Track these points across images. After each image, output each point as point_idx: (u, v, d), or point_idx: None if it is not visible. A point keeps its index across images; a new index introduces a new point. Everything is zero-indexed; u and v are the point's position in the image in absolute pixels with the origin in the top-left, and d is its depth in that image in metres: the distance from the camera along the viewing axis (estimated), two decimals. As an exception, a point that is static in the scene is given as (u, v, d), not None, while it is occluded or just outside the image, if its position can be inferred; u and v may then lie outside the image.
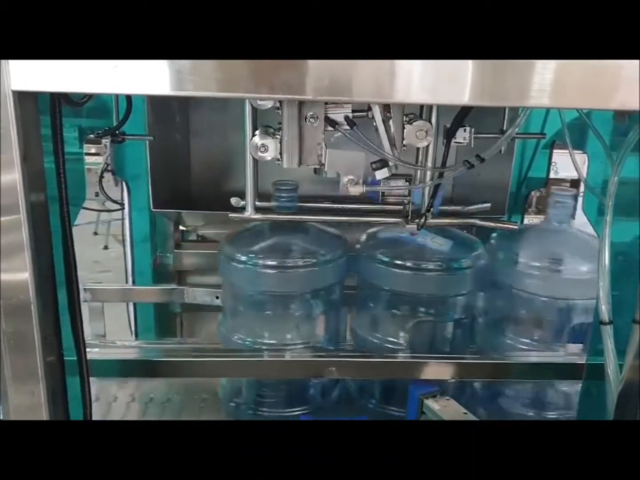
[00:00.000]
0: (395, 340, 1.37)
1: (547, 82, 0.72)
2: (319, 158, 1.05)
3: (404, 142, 1.07)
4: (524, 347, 1.39)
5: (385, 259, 1.32)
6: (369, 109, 1.05)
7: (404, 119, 1.06)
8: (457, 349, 1.41)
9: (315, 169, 1.09)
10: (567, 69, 0.71)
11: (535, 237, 1.45)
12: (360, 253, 1.38)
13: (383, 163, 1.09)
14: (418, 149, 1.20)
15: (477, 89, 0.72)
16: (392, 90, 0.73)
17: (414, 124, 1.06)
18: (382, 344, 1.38)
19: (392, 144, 1.07)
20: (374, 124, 1.05)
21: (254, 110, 1.10)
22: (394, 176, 1.14)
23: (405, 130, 1.06)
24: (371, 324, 1.43)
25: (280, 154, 1.05)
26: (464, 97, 0.73)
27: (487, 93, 0.73)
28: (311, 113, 1.01)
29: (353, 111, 1.04)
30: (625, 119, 0.93)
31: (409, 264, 1.31)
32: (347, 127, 1.03)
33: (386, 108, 1.04)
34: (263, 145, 1.06)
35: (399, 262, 1.32)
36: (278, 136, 1.05)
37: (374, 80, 0.72)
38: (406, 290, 1.35)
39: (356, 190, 1.08)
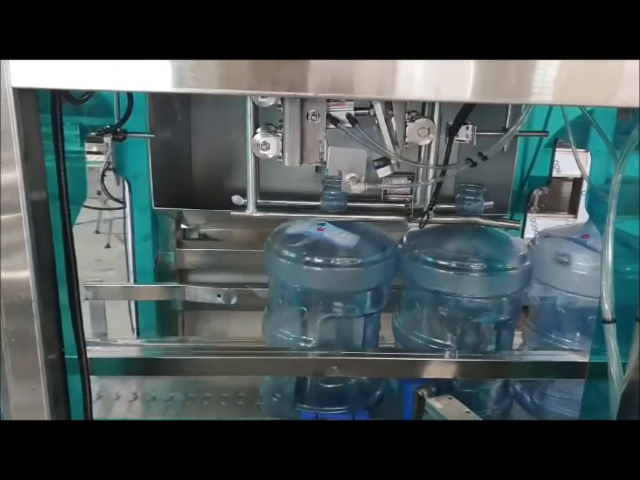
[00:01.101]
0: (305, 337, 1.36)
1: (550, 79, 0.72)
2: (320, 156, 1.05)
3: (406, 140, 1.07)
4: (433, 346, 1.38)
5: (292, 255, 1.30)
6: (371, 106, 1.04)
7: (406, 117, 1.06)
8: (369, 345, 1.41)
9: (316, 167, 1.09)
10: (569, 65, 0.71)
11: (443, 235, 1.41)
12: (268, 249, 1.37)
13: (385, 161, 1.09)
14: (420, 147, 1.20)
15: (479, 85, 0.72)
16: (394, 88, 0.73)
17: (416, 121, 1.06)
18: (294, 342, 1.37)
19: (394, 142, 1.06)
20: (376, 121, 1.05)
21: (256, 107, 1.10)
22: (396, 174, 1.14)
23: (407, 128, 1.06)
24: (282, 322, 1.41)
25: (282, 151, 1.05)
26: (466, 94, 0.73)
27: (489, 90, 0.73)
28: (313, 111, 1.00)
29: (355, 109, 1.03)
30: (629, 116, 0.93)
31: (315, 259, 1.29)
32: (349, 125, 1.02)
33: (388, 106, 1.04)
34: (265, 143, 1.05)
35: (305, 257, 1.29)
36: (280, 134, 1.05)
37: (376, 77, 0.72)
38: (312, 286, 1.33)
39: (358, 188, 1.08)
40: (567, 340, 1.41)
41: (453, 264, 1.30)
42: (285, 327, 1.39)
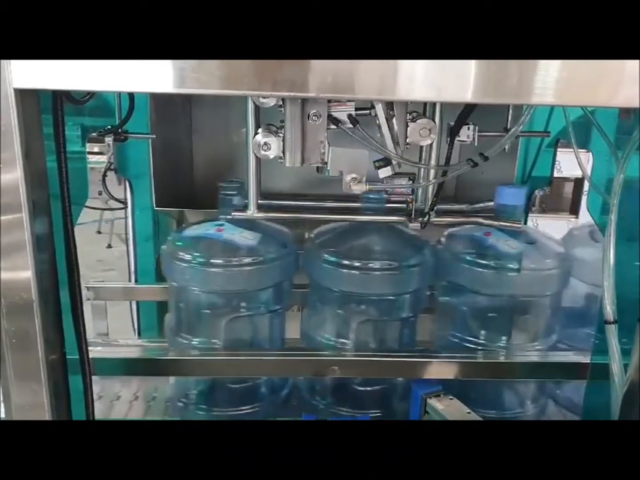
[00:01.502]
0: (214, 340, 1.34)
1: (551, 79, 0.72)
2: (321, 156, 1.05)
3: (408, 140, 1.07)
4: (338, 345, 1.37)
5: (188, 257, 1.28)
6: (372, 107, 1.04)
7: (408, 117, 1.06)
8: (276, 341, 1.42)
9: (317, 168, 1.09)
10: (570, 66, 0.71)
11: (348, 233, 1.39)
12: (164, 254, 1.35)
13: (386, 161, 1.09)
14: (421, 147, 1.19)
15: (480, 86, 0.72)
16: (396, 88, 0.73)
17: (418, 121, 1.06)
18: (200, 345, 1.36)
19: (395, 142, 1.06)
20: (377, 122, 1.05)
21: (257, 108, 1.10)
22: (397, 174, 1.14)
23: (408, 128, 1.06)
24: (184, 325, 1.39)
25: (283, 152, 1.05)
26: (467, 94, 0.73)
27: (491, 90, 0.73)
28: (314, 111, 1.00)
29: (356, 109, 1.03)
30: (630, 117, 0.93)
31: (212, 260, 1.27)
32: (350, 125, 1.02)
33: (389, 106, 1.04)
34: (266, 143, 1.05)
35: (202, 259, 1.27)
36: (281, 134, 1.05)
37: (378, 77, 0.72)
38: (213, 288, 1.31)
39: (359, 188, 1.08)
40: (471, 339, 1.39)
41: (353, 262, 1.29)
42: (188, 332, 1.37)
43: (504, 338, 1.37)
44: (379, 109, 1.04)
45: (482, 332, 1.38)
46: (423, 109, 1.11)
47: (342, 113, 1.03)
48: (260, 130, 1.08)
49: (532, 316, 1.40)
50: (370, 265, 1.29)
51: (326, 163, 1.05)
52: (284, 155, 1.05)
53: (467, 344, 1.38)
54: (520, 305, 1.38)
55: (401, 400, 1.44)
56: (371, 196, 1.31)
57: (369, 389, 1.42)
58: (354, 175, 1.07)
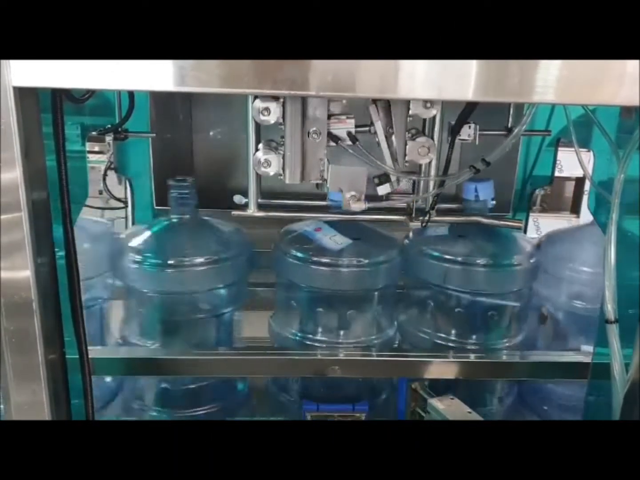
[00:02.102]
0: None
1: (552, 78, 0.72)
2: (321, 174, 1.06)
3: (406, 159, 1.07)
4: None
5: None
6: (372, 124, 1.05)
7: (407, 135, 1.06)
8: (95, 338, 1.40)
9: (317, 184, 1.09)
10: (571, 64, 0.71)
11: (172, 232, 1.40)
12: None
13: (385, 178, 1.10)
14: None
15: (481, 84, 0.72)
16: (397, 87, 0.73)
17: (417, 140, 1.07)
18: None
19: (394, 159, 1.07)
20: (377, 139, 1.06)
21: (257, 125, 1.10)
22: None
23: (407, 146, 1.06)
24: None
25: (283, 169, 1.06)
26: (468, 92, 0.72)
27: (492, 89, 0.73)
28: (314, 129, 1.01)
29: (356, 126, 1.04)
30: (632, 115, 0.92)
31: None
32: (350, 143, 1.03)
33: (389, 123, 1.05)
34: (266, 160, 1.06)
35: None
36: (281, 151, 1.06)
37: (378, 76, 0.72)
38: None
39: (358, 206, 1.09)
40: (310, 336, 1.40)
41: (158, 260, 1.29)
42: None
43: (340, 333, 1.37)
44: (378, 127, 1.05)
45: (317, 328, 1.39)
46: (422, 127, 1.11)
47: (341, 130, 1.03)
48: (260, 146, 1.09)
49: (356, 311, 1.39)
50: (176, 262, 1.29)
51: (326, 180, 1.06)
52: (283, 172, 1.06)
53: (307, 342, 1.38)
54: (346, 300, 1.38)
55: (234, 394, 1.47)
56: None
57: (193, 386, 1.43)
58: (353, 193, 1.08)
